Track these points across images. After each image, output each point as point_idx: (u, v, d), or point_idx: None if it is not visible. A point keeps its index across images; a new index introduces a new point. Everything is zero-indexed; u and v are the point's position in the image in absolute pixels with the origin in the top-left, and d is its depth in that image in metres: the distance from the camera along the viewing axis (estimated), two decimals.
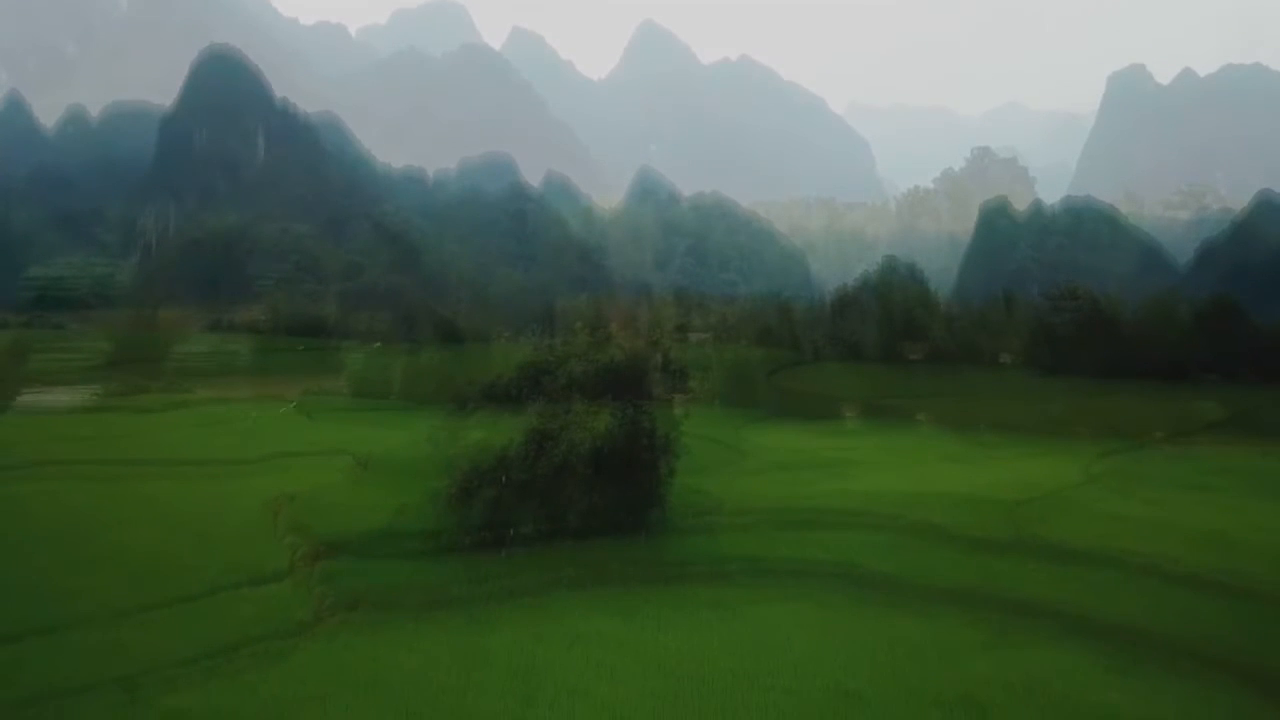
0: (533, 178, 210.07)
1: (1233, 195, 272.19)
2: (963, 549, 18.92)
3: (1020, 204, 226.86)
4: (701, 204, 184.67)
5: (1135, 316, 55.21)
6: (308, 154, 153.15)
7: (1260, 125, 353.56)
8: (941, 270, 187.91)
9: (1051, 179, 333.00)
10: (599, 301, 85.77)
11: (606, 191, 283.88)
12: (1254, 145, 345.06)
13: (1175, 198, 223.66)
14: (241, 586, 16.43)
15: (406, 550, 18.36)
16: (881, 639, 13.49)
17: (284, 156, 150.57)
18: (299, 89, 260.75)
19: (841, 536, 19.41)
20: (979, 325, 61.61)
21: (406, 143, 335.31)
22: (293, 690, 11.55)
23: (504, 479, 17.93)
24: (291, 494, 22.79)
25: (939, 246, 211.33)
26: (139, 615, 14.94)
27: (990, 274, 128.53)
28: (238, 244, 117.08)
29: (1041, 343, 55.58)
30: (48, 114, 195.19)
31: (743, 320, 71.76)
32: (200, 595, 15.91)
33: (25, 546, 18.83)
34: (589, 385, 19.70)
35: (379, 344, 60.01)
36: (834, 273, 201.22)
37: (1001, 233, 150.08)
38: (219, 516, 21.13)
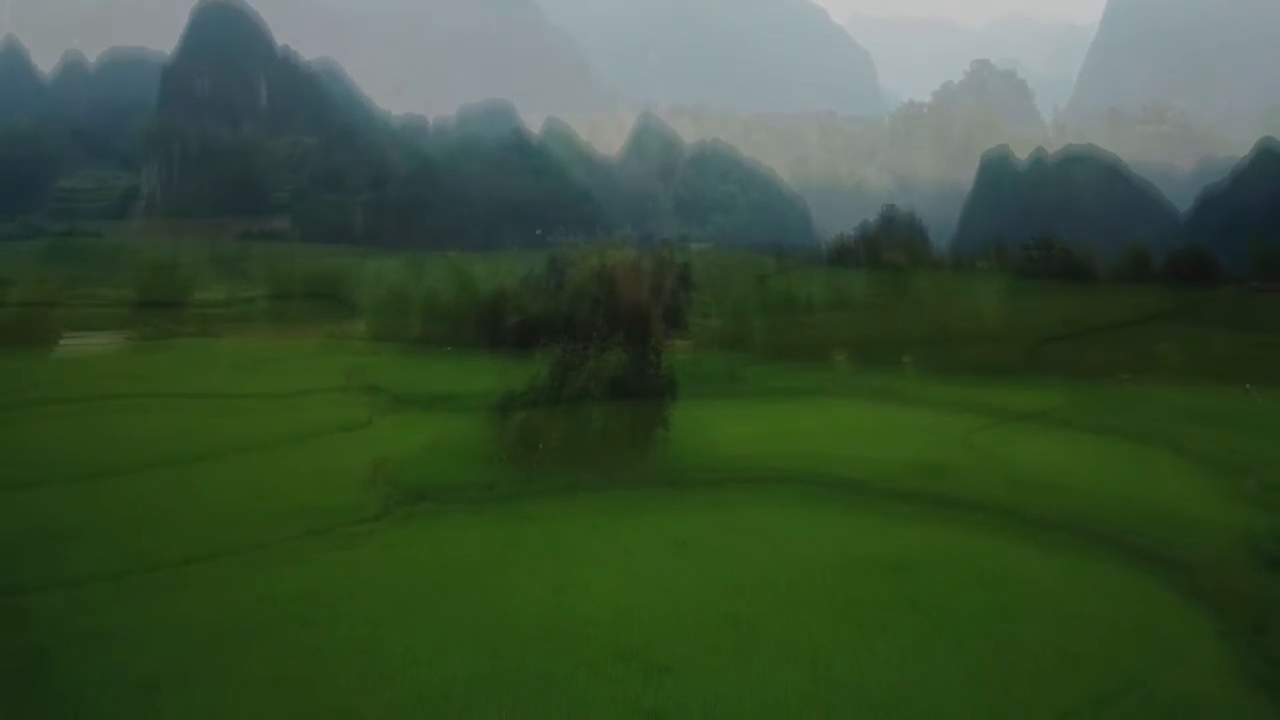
0: (532, 88, 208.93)
1: (1231, 106, 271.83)
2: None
3: (1017, 118, 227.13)
4: (703, 155, 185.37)
5: (1109, 267, 58.10)
6: (309, 103, 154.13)
7: (1259, 36, 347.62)
8: (934, 185, 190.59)
9: (1053, 91, 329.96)
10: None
11: (605, 100, 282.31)
12: (1252, 56, 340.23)
13: (1138, 113, 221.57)
14: (334, 432, 22.27)
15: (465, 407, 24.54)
16: (843, 525, 17.27)
17: (286, 106, 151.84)
18: None
19: (816, 446, 23.38)
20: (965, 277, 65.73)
21: (403, 52, 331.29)
22: (380, 560, 15.14)
23: (534, 402, 21.78)
24: (363, 365, 30.15)
25: (935, 163, 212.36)
26: (267, 449, 20.87)
27: (989, 221, 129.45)
28: (255, 158, 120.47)
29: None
30: (48, 32, 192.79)
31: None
32: (306, 436, 21.78)
33: (140, 419, 24.36)
34: (606, 278, 23.57)
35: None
36: (828, 187, 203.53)
37: (1000, 181, 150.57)
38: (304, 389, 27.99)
